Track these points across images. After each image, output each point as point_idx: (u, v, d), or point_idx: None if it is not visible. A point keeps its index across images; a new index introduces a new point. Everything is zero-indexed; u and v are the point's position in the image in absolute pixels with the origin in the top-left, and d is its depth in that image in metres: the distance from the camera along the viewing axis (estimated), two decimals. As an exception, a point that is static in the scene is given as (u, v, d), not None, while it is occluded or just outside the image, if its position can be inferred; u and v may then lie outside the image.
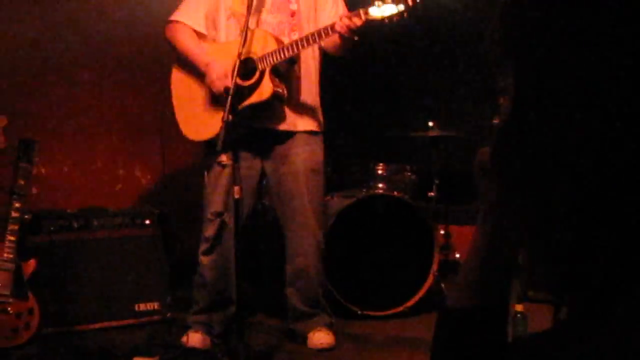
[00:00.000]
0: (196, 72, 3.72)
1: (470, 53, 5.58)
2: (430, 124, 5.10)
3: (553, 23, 0.91)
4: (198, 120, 3.73)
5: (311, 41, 3.40)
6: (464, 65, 6.01)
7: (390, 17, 3.20)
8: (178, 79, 3.84)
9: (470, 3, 6.26)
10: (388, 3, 3.19)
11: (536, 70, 0.94)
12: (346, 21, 3.28)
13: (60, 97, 4.85)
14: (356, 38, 3.34)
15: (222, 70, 3.53)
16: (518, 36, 0.96)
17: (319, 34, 3.37)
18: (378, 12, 3.21)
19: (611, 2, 0.88)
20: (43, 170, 4.70)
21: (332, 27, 3.32)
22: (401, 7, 3.18)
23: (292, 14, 3.65)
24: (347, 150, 5.67)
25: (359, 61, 6.08)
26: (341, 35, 3.34)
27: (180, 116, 3.82)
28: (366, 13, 3.25)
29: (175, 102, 3.84)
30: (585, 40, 0.88)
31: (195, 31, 3.75)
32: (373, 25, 3.28)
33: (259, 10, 3.60)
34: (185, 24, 3.75)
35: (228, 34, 3.71)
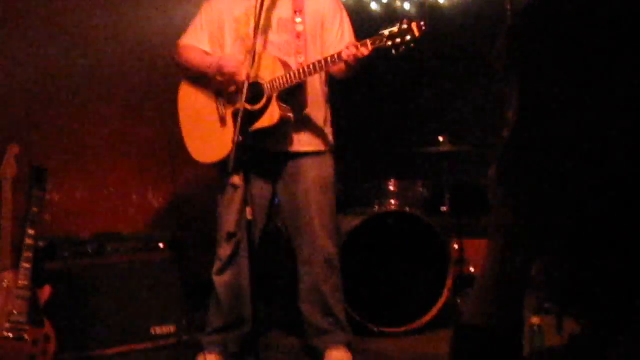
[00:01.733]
0: (204, 91, 3.75)
1: (480, 67, 5.58)
2: (441, 138, 5.11)
3: (554, 42, 0.91)
4: (206, 143, 3.75)
5: (318, 69, 3.43)
6: (473, 78, 6.02)
7: (397, 47, 3.22)
8: (185, 100, 3.87)
9: (478, 18, 6.28)
10: (395, 33, 3.21)
11: (538, 84, 0.95)
12: (353, 50, 3.31)
13: (72, 124, 4.87)
14: (361, 65, 3.38)
15: (235, 60, 3.58)
16: (522, 53, 0.97)
17: (325, 62, 3.40)
18: (385, 42, 3.23)
19: (608, 24, 0.89)
20: (56, 197, 4.71)
21: (339, 55, 3.36)
22: (408, 37, 3.19)
23: (298, 35, 3.66)
24: (358, 167, 5.67)
25: (368, 78, 6.10)
26: (347, 63, 3.37)
27: (189, 139, 3.85)
28: (373, 43, 3.28)
29: (183, 124, 3.86)
30: (587, 57, 0.89)
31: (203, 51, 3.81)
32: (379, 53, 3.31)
33: (265, 32, 3.63)
34: (193, 46, 3.80)
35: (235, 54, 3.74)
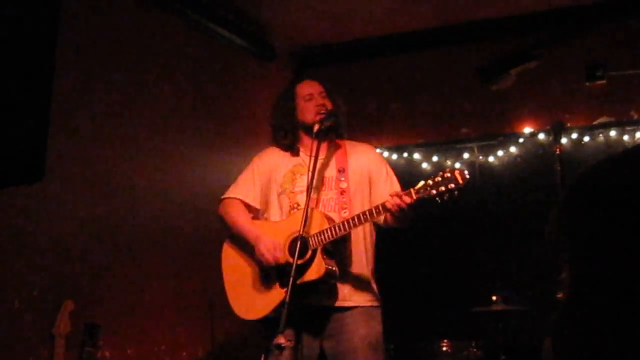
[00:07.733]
0: (247, 249, 3.75)
1: (531, 228, 5.57)
2: (494, 298, 5.05)
3: (604, 217, 0.93)
4: (248, 299, 3.71)
5: (362, 220, 3.42)
6: (525, 237, 6.00)
7: (441, 195, 3.21)
8: (229, 256, 3.87)
9: (531, 181, 6.34)
10: (438, 181, 3.21)
11: (589, 254, 0.96)
12: (397, 200, 3.30)
13: (123, 280, 4.91)
14: (408, 214, 3.35)
15: (271, 243, 3.56)
16: (574, 225, 0.99)
17: (370, 213, 3.40)
18: (429, 190, 3.23)
19: None
20: (107, 354, 4.70)
21: (383, 205, 3.35)
22: (452, 185, 3.18)
23: (342, 192, 3.70)
24: (411, 326, 5.59)
25: (420, 236, 6.12)
26: (392, 213, 3.37)
27: (231, 294, 3.81)
28: (417, 192, 3.27)
29: (226, 280, 3.83)
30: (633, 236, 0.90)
31: (248, 205, 3.85)
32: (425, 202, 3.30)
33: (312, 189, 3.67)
34: (238, 200, 3.85)
35: (279, 209, 3.78)
